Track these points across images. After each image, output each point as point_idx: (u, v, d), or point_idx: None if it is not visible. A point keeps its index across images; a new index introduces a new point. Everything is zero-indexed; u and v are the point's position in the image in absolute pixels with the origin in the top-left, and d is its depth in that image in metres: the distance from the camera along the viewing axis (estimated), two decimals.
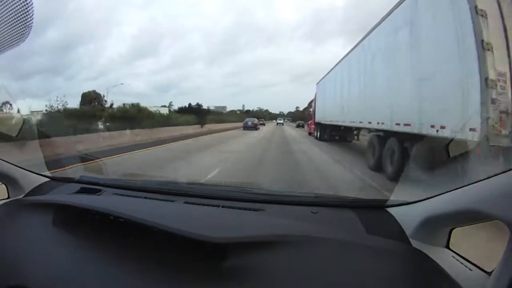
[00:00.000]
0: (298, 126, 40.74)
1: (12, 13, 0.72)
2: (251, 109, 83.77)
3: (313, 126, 17.63)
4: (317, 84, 16.23)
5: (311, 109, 20.48)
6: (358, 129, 9.92)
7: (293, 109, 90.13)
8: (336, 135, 12.62)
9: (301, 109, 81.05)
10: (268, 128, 32.51)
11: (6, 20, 0.73)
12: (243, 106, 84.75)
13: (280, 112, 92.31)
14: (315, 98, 16.63)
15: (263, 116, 72.93)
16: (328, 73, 13.03)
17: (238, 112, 73.09)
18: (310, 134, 18.87)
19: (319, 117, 14.81)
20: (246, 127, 25.97)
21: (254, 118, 32.20)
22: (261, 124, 34.78)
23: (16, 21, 0.74)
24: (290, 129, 31.48)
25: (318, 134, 14.84)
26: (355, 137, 11.44)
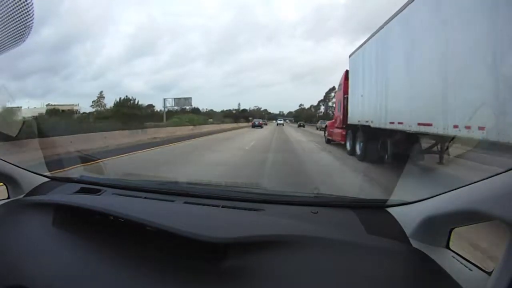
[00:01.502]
0: (299, 126, 44.67)
1: (12, 13, 0.72)
2: (247, 109, 77.73)
3: (339, 130, 9.95)
4: (350, 56, 8.85)
5: (334, 101, 12.95)
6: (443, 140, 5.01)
7: (293, 109, 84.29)
8: (400, 152, 5.42)
9: (306, 107, 74.34)
10: (265, 130, 26.89)
11: (6, 20, 0.73)
12: (239, 105, 78.07)
13: (280, 111, 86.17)
14: (342, 84, 9.61)
15: (262, 116, 69.75)
16: (382, 27, 6.40)
17: (234, 111, 67.91)
18: (329, 141, 11.94)
19: (356, 116, 7.99)
20: (254, 126, 34.30)
21: (259, 119, 42.37)
22: (264, 124, 41.52)
23: (16, 21, 0.74)
24: (294, 132, 25.44)
25: (358, 148, 7.56)
26: (439, 159, 5.43)
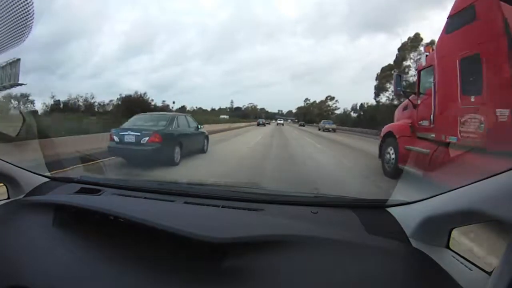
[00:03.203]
0: (300, 125, 44.67)
1: (12, 13, 0.72)
2: (241, 107, 66.35)
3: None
4: None
5: (433, 68, 4.09)
6: None
7: (292, 108, 72.45)
8: None
9: (316, 101, 55.38)
10: (260, 136, 15.93)
11: (6, 20, 0.73)
12: (232, 102, 64.30)
13: (278, 110, 75.57)
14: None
15: (259, 114, 62.93)
16: None
17: (228, 110, 59.49)
18: (397, 173, 4.51)
19: None
20: (259, 124, 37.38)
21: (263, 119, 44.31)
22: (267, 123, 43.08)
23: (16, 21, 0.74)
24: (306, 144, 12.24)
25: None
26: None
